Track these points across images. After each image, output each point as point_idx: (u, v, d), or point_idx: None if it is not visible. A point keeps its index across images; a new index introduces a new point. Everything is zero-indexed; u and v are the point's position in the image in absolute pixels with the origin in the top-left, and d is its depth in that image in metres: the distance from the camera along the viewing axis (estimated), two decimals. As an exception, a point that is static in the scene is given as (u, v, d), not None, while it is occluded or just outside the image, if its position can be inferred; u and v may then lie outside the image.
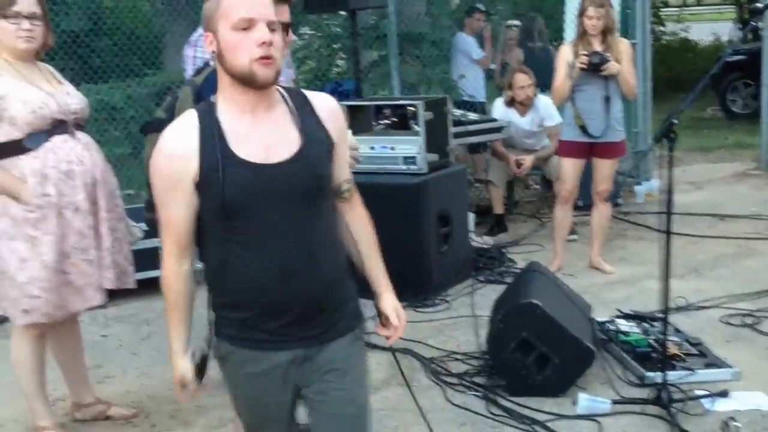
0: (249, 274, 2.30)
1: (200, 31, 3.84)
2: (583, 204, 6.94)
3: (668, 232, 3.94)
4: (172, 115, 3.28)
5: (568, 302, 4.55)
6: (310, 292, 2.33)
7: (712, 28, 20.29)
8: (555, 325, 4.10)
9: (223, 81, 2.34)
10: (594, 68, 5.63)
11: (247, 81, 2.27)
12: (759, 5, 4.49)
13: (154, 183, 2.33)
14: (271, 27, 2.29)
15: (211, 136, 2.28)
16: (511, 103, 7.12)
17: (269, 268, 2.28)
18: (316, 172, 2.32)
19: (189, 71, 3.72)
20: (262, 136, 2.30)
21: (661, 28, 19.78)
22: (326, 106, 2.43)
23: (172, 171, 2.27)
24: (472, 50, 8.82)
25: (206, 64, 3.34)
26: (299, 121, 2.35)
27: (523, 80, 6.99)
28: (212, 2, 2.35)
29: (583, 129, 5.80)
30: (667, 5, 22.45)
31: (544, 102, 6.99)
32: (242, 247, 2.29)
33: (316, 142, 2.35)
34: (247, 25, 2.26)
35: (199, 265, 2.41)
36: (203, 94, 3.22)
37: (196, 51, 3.73)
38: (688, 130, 12.42)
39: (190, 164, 2.26)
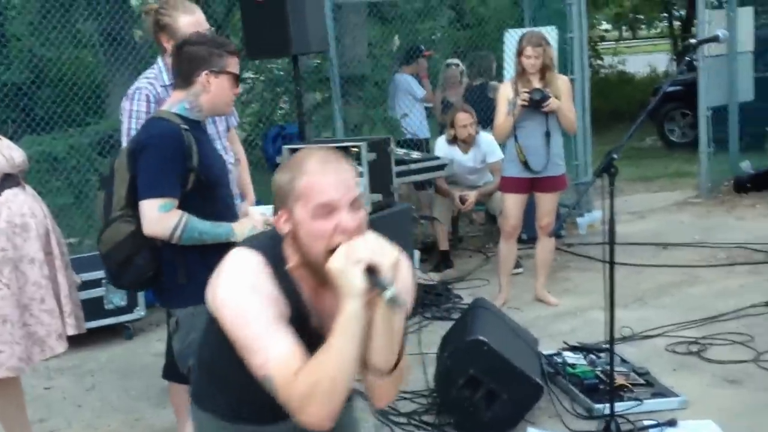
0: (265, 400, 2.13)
1: (138, 83, 3.82)
2: (527, 237, 7.00)
3: (611, 263, 3.97)
4: (112, 173, 3.29)
5: (515, 337, 4.56)
6: None
7: (648, 61, 20.72)
8: (502, 360, 4.11)
9: (293, 256, 2.17)
10: (535, 105, 5.71)
11: (319, 273, 2.10)
12: (692, 41, 4.63)
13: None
14: (354, 206, 2.10)
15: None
16: (453, 140, 7.19)
17: None
18: None
19: (126, 124, 3.72)
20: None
21: (599, 62, 20.16)
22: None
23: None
24: (413, 89, 8.89)
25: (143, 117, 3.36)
26: None
27: (464, 119, 7.07)
28: (285, 176, 2.12)
29: (526, 164, 5.87)
30: (603, 39, 22.89)
31: (486, 139, 7.06)
32: None
33: None
34: (329, 210, 2.07)
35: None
36: (133, 141, 3.26)
37: (133, 104, 3.72)
38: (629, 160, 12.59)
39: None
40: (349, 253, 2.03)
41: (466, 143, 7.14)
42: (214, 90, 3.26)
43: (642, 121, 4.09)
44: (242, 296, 2.11)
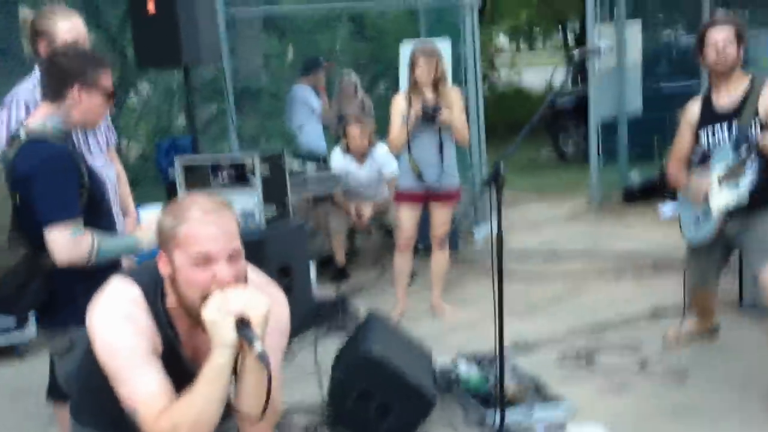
0: None
1: (17, 90, 3.72)
2: (424, 248, 7.04)
3: (500, 273, 4.02)
4: None
5: (408, 349, 4.58)
6: None
7: (544, 74, 21.11)
8: (394, 373, 4.12)
9: (171, 296, 2.22)
10: (428, 117, 5.75)
11: (194, 316, 2.16)
12: (574, 53, 4.73)
13: None
14: (233, 258, 2.16)
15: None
16: (348, 152, 7.20)
17: None
18: None
19: (2, 133, 3.60)
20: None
21: (497, 76, 20.49)
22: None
23: None
24: (311, 101, 8.87)
25: (17, 131, 3.23)
26: None
27: (356, 131, 7.09)
28: (168, 220, 2.19)
29: (420, 176, 5.90)
30: (499, 51, 23.23)
31: (381, 150, 7.09)
32: None
33: None
34: (207, 261, 2.13)
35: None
36: (17, 170, 3.11)
37: (11, 114, 3.61)
38: (525, 171, 12.82)
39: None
40: (221, 304, 2.11)
41: (360, 155, 7.15)
42: (85, 104, 3.19)
43: (527, 133, 4.16)
44: (115, 325, 2.16)
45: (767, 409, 4.29)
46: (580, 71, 4.49)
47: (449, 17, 8.78)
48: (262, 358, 2.08)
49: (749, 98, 4.41)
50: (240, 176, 5.99)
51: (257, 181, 5.67)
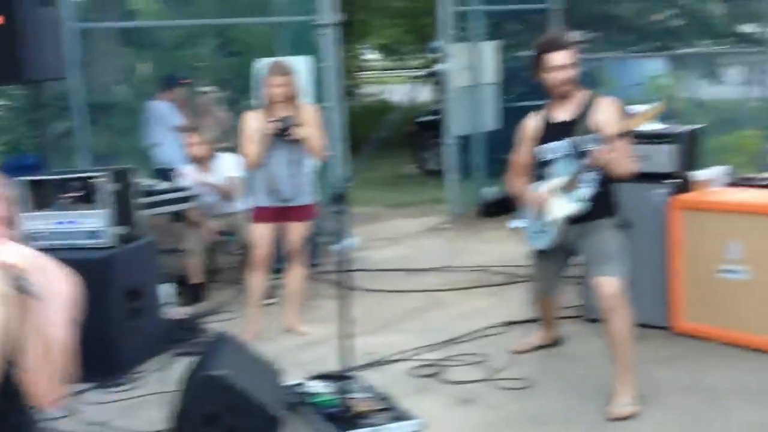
0: None
1: None
2: (283, 267, 7.00)
3: (345, 291, 4.04)
4: None
5: (256, 369, 4.54)
6: None
7: (410, 90, 21.40)
8: (240, 395, 4.07)
9: None
10: (282, 134, 5.74)
11: None
12: (420, 73, 4.83)
13: None
14: None
15: None
16: (192, 161, 7.17)
17: None
18: None
19: None
20: None
21: (361, 91, 20.65)
22: None
23: None
24: (169, 117, 8.72)
25: None
26: None
27: (194, 139, 7.10)
28: None
29: (275, 193, 5.88)
30: (365, 69, 23.44)
31: (225, 158, 7.14)
32: None
33: None
34: None
35: None
36: None
37: None
38: (388, 186, 12.99)
39: None
40: None
41: (202, 163, 7.11)
42: None
43: (372, 149, 4.23)
44: None
45: (604, 415, 4.42)
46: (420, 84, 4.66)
47: (308, 34, 8.79)
48: (25, 289, 2.10)
49: (585, 113, 4.61)
50: (87, 194, 5.84)
51: (105, 199, 5.54)
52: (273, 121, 5.74)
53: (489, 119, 9.95)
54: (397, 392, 4.84)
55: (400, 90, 21.80)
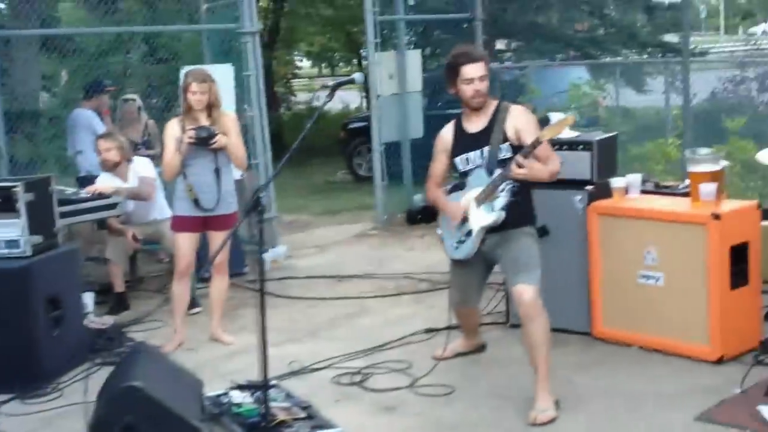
0: None
1: None
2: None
3: (262, 301, 4.03)
4: None
5: (175, 380, 4.50)
6: None
7: (341, 97, 21.40)
8: (158, 406, 4.02)
9: None
10: (202, 142, 5.70)
11: None
12: (330, 84, 4.87)
13: None
14: None
15: None
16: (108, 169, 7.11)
17: None
18: None
19: None
20: None
21: (293, 98, 20.60)
22: None
23: None
24: (93, 125, 8.61)
25: None
26: None
27: (106, 145, 7.02)
28: None
29: (196, 202, 5.84)
30: (296, 76, 23.39)
31: (139, 162, 7.13)
32: None
33: None
34: None
35: None
36: None
37: None
38: (320, 194, 12.99)
39: None
40: None
41: (117, 169, 7.05)
42: None
43: (288, 160, 4.25)
44: None
45: (525, 421, 4.48)
46: (327, 99, 4.71)
47: (231, 42, 8.78)
48: None
49: (496, 123, 4.68)
50: (4, 203, 5.73)
51: (22, 208, 5.45)
52: (191, 130, 5.71)
53: (415, 127, 10.01)
54: (320, 401, 4.84)
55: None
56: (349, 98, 21.38)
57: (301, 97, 21.84)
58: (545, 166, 4.59)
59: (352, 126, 14.37)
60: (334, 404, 4.88)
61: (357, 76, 4.52)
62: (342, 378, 5.26)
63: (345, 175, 14.64)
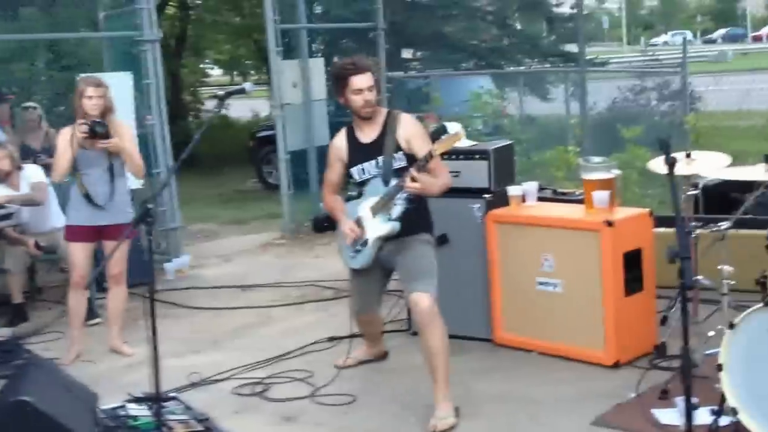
0: None
1: None
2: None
3: (152, 312, 3.98)
4: None
5: (68, 394, 4.40)
6: None
7: (250, 106, 21.28)
8: (48, 421, 3.93)
9: None
10: (95, 135, 5.61)
11: None
12: (220, 93, 4.85)
13: None
14: None
15: None
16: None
17: None
18: None
19: None
20: None
21: (200, 107, 20.40)
22: None
23: None
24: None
25: None
26: None
27: None
28: None
29: (88, 198, 5.76)
30: (205, 85, 23.17)
31: (31, 171, 7.01)
32: None
33: None
34: None
35: None
36: None
37: None
38: (230, 203, 12.89)
39: None
40: None
41: (8, 178, 6.91)
42: None
43: (176, 170, 4.27)
44: None
45: (425, 429, 4.49)
46: (216, 110, 4.76)
47: (129, 50, 8.69)
48: None
49: (388, 133, 4.72)
50: None
51: None
52: (83, 124, 5.63)
53: (321, 135, 10.01)
54: (220, 412, 4.80)
55: (239, 105, 21.71)
56: (259, 107, 21.28)
57: (210, 105, 21.59)
58: (436, 179, 4.63)
59: (261, 134, 14.28)
60: (234, 416, 4.84)
61: (247, 85, 4.54)
62: (243, 389, 5.22)
63: (255, 183, 14.56)
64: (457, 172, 5.35)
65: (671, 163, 3.52)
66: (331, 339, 5.95)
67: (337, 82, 4.78)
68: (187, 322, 6.70)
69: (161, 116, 8.28)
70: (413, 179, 4.44)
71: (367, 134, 4.82)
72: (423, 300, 4.59)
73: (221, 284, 7.71)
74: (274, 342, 6.04)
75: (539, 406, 4.71)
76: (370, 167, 4.79)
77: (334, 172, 4.99)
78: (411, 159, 4.67)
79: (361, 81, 4.70)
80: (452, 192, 4.89)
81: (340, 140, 4.94)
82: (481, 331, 5.66)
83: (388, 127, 4.75)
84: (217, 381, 5.37)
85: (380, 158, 4.74)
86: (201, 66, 23.96)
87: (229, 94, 4.64)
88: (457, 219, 5.55)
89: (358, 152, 4.83)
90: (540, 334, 5.40)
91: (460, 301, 5.55)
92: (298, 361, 5.65)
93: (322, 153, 9.93)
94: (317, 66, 10.11)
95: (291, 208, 9.71)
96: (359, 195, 4.88)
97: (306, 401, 4.99)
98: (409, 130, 4.75)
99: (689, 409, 3.27)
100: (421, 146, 4.66)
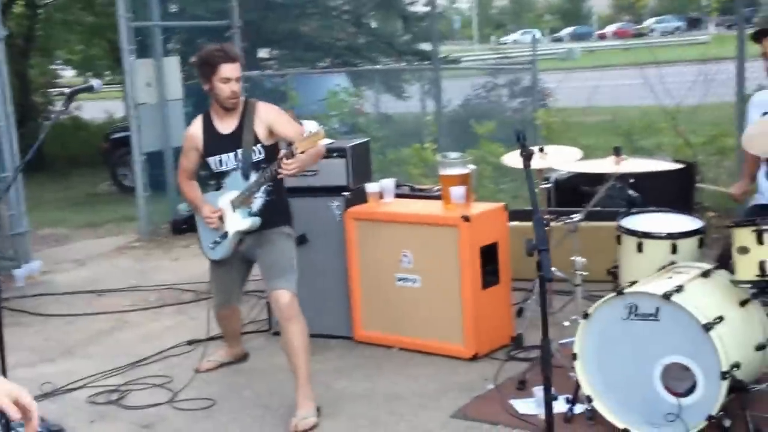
0: None
1: None
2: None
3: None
4: None
5: None
6: None
7: (104, 107, 20.72)
8: None
9: None
10: None
11: None
12: (66, 91, 4.70)
13: None
14: None
15: None
16: None
17: None
18: None
19: None
20: None
21: (51, 108, 19.74)
22: None
23: None
24: None
25: None
26: None
27: None
28: None
29: None
30: (56, 86, 22.41)
31: None
32: None
33: None
34: None
35: None
36: None
37: None
38: (82, 206, 12.49)
39: None
40: None
41: None
42: None
43: (19, 170, 4.02)
44: None
45: (287, 429, 4.46)
46: (63, 108, 4.55)
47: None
48: None
49: (246, 125, 4.67)
50: None
51: None
52: None
53: (177, 135, 9.80)
54: (75, 422, 4.67)
55: (92, 107, 21.10)
56: (114, 108, 20.74)
57: (59, 105, 20.88)
58: (308, 156, 4.52)
59: (115, 136, 13.90)
60: (89, 425, 4.71)
61: (95, 82, 4.40)
62: (98, 397, 5.06)
63: (109, 186, 14.19)
64: (314, 170, 5.33)
65: (528, 155, 3.56)
66: (191, 342, 5.84)
67: (204, 67, 4.66)
68: (38, 331, 6.46)
69: (8, 118, 7.93)
70: (288, 157, 4.33)
71: (226, 124, 4.74)
72: (284, 296, 4.57)
73: (75, 290, 7.46)
74: (131, 348, 5.89)
75: (400, 402, 4.74)
76: (228, 159, 4.72)
77: (189, 161, 4.92)
78: (269, 152, 4.63)
79: (230, 70, 4.61)
80: (311, 190, 4.87)
81: (196, 128, 4.84)
82: (342, 329, 5.67)
83: (246, 118, 4.68)
84: (71, 390, 5.19)
85: (239, 151, 4.67)
86: (52, 67, 23.10)
87: (76, 92, 4.48)
88: (316, 217, 5.54)
89: (216, 142, 4.75)
90: (400, 330, 5.44)
91: (320, 300, 5.54)
92: (156, 366, 5.53)
93: (179, 154, 9.81)
94: (172, 65, 9.88)
95: (148, 210, 9.48)
96: (218, 187, 4.80)
97: (164, 407, 4.88)
98: (270, 117, 4.70)
99: (549, 400, 3.33)
100: (287, 128, 4.62)
